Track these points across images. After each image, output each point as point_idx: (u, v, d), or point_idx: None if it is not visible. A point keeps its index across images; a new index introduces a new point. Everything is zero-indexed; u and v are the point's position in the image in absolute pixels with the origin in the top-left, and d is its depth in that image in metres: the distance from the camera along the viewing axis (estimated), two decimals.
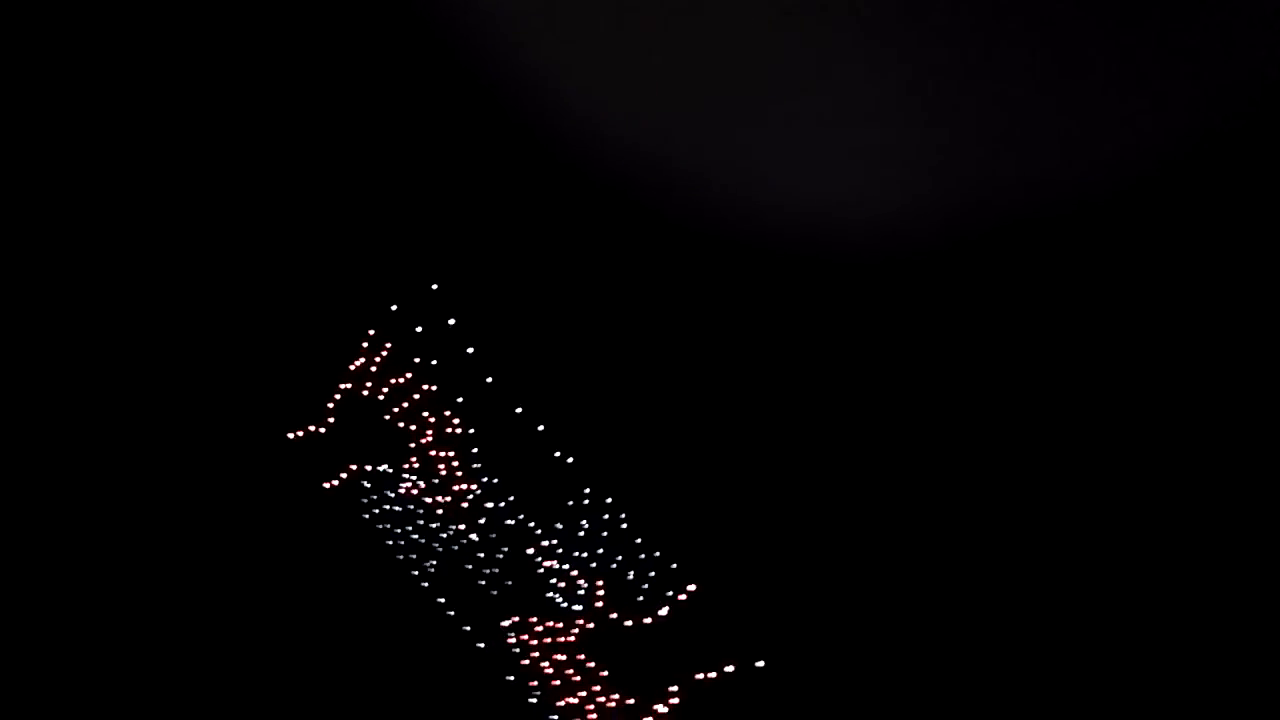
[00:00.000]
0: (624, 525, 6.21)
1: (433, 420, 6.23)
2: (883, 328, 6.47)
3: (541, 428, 6.23)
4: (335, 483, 6.14)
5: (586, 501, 6.22)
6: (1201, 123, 6.31)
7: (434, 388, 6.25)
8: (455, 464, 6.22)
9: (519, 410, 6.24)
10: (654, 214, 6.48)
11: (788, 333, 6.49)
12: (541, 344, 6.42)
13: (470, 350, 6.29)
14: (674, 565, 6.16)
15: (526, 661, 6.05)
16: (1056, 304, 6.44)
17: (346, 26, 6.36)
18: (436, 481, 6.21)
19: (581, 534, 6.18)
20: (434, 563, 6.15)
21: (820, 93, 6.43)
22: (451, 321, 6.24)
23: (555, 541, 6.19)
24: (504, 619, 6.11)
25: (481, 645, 6.02)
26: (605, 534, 6.20)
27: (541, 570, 6.17)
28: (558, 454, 6.23)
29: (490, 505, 6.21)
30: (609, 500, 6.23)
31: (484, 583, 6.14)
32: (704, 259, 6.51)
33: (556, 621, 6.10)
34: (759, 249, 6.50)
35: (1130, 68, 6.29)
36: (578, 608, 6.13)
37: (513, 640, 6.07)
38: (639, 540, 6.19)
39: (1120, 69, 6.31)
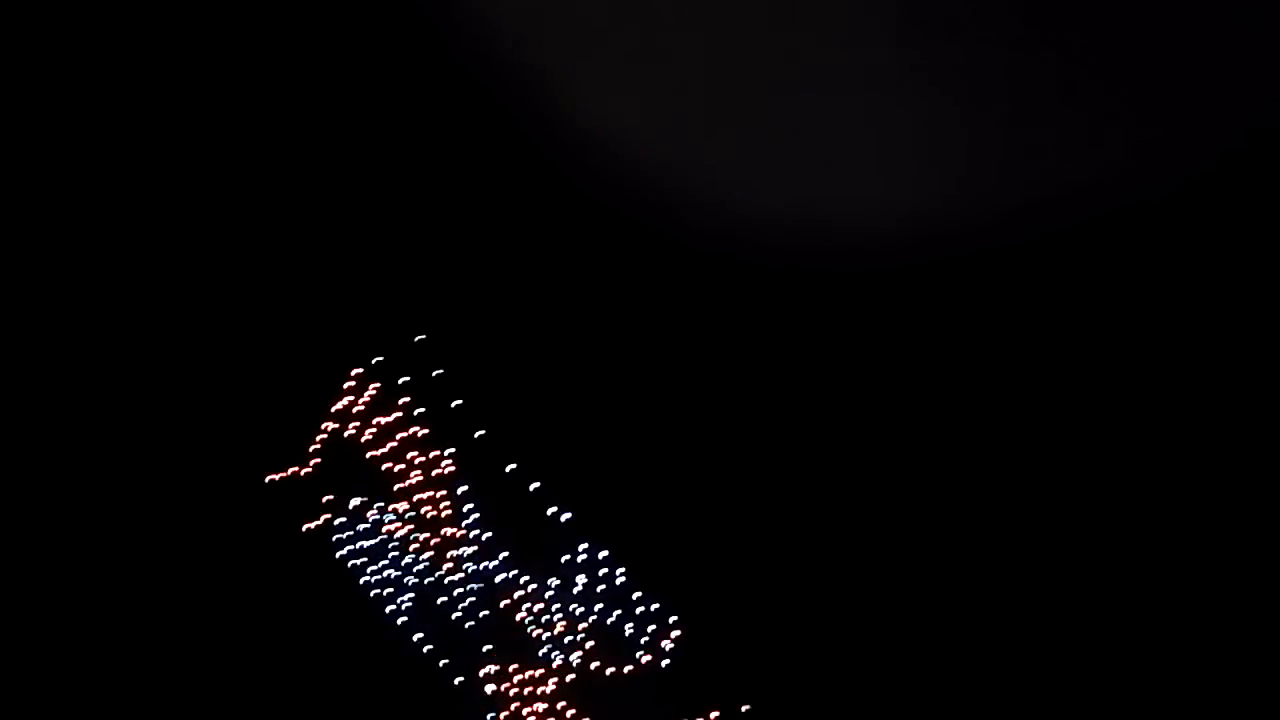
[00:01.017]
0: (619, 580, 6.00)
1: (420, 462, 5.94)
2: (882, 343, 6.13)
3: (536, 485, 5.93)
4: (316, 524, 5.93)
5: (583, 556, 5.98)
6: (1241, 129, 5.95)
7: (424, 431, 5.93)
8: (444, 506, 5.96)
9: (513, 465, 5.93)
10: (663, 240, 6.02)
11: (790, 366, 6.12)
12: (536, 379, 6.07)
13: (462, 398, 5.94)
14: (672, 618, 6.00)
15: (506, 713, 5.99)
16: (1067, 319, 6.08)
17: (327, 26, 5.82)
18: (420, 523, 5.98)
19: (576, 590, 5.98)
20: (415, 607, 6.00)
21: (823, 103, 6.00)
22: (439, 371, 5.88)
23: (542, 591, 6.00)
24: (482, 668, 6.01)
25: (460, 694, 5.95)
26: (599, 588, 5.99)
27: (524, 618, 6.01)
28: (553, 509, 5.96)
29: (477, 553, 5.99)
30: (604, 554, 6.00)
31: (464, 628, 6.00)
32: (707, 277, 6.09)
33: (536, 670, 6.00)
34: (757, 262, 6.08)
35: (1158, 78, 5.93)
36: (559, 656, 6.00)
37: (490, 690, 5.99)
38: (633, 595, 6.00)
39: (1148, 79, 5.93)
